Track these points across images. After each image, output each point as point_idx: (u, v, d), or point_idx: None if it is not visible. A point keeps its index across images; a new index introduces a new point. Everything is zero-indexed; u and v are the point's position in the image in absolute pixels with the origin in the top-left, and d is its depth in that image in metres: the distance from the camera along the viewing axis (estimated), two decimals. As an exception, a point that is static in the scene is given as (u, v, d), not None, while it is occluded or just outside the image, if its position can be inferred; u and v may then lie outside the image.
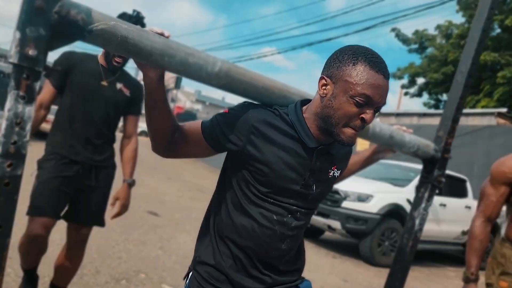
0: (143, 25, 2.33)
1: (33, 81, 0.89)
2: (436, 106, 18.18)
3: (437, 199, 6.66)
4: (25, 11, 0.87)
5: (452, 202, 7.12)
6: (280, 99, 1.27)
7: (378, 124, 1.59)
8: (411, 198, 6.50)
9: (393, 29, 18.15)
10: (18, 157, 0.90)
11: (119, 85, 2.45)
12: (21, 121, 0.89)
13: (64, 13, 0.92)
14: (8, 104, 0.87)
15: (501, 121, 10.84)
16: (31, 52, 0.87)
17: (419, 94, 19.01)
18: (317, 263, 5.54)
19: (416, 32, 18.49)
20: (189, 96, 46.51)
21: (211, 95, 50.27)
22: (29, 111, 0.90)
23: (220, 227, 1.23)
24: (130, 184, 2.55)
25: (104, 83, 2.38)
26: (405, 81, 18.95)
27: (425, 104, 19.01)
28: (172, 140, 1.20)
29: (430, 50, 18.19)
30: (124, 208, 2.53)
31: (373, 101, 1.10)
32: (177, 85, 27.61)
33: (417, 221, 2.05)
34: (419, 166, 7.42)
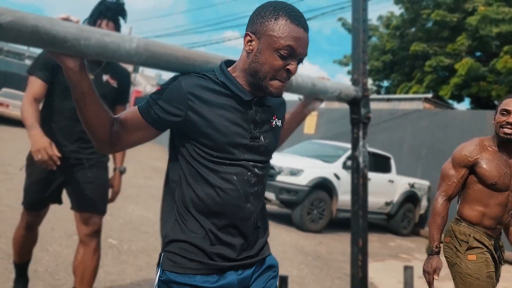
0: (124, 12, 2.28)
1: None
2: (378, 92, 19.32)
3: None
4: None
5: (378, 176, 7.90)
6: (203, 65, 1.29)
7: (300, 75, 1.64)
8: (338, 173, 7.45)
9: (340, 19, 18.98)
10: None
11: (105, 77, 2.38)
12: None
13: None
14: None
15: (427, 105, 12.01)
16: None
17: (363, 81, 20.06)
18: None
19: (361, 22, 19.35)
20: (149, 80, 44.84)
21: (172, 79, 48.40)
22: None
23: (184, 203, 1.22)
24: (122, 171, 2.59)
25: (91, 76, 2.27)
26: (350, 68, 19.91)
27: (368, 90, 20.14)
28: (112, 132, 1.19)
29: (374, 40, 19.20)
30: (116, 195, 2.64)
31: (296, 53, 1.17)
32: (136, 69, 27.22)
33: (360, 159, 2.11)
34: (348, 145, 8.32)
